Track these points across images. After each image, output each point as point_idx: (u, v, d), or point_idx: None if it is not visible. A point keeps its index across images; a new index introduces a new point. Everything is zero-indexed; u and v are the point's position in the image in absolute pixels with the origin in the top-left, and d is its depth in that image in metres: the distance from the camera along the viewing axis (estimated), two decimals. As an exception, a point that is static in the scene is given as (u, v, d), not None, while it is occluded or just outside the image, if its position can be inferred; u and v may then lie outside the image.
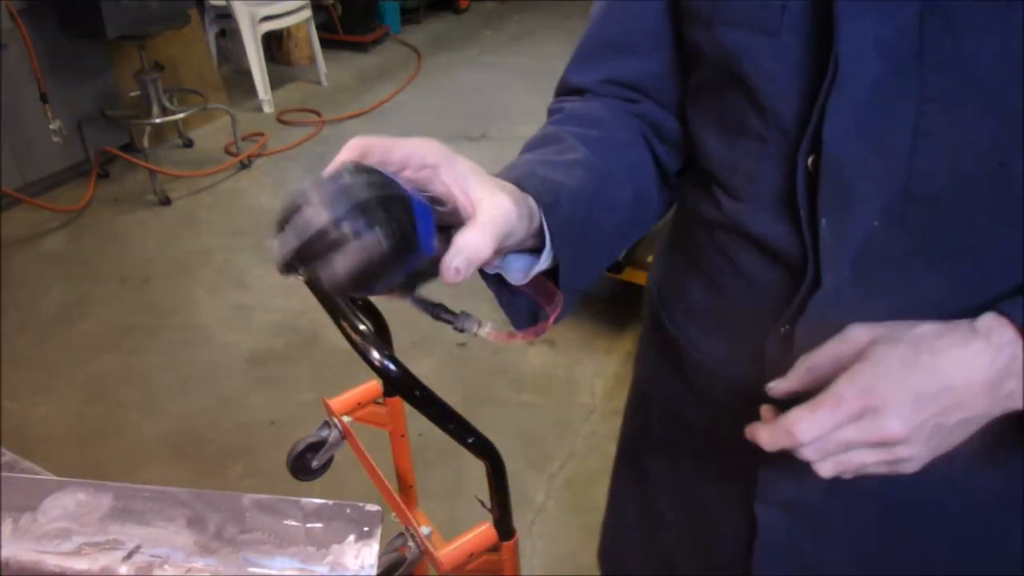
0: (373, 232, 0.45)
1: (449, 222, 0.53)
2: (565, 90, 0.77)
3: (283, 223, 0.47)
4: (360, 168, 0.48)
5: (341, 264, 0.46)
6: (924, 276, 0.58)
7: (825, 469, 0.54)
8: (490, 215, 0.52)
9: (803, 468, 0.55)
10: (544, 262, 0.59)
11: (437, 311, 0.56)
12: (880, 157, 0.54)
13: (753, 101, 0.60)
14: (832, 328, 0.57)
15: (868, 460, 0.53)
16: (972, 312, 0.55)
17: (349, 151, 0.51)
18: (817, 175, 0.57)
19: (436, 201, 0.52)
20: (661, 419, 0.84)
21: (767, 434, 0.54)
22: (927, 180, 0.54)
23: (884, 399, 0.51)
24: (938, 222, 0.55)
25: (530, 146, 0.68)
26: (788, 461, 0.55)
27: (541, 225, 0.58)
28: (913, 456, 0.53)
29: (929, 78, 0.52)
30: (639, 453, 0.89)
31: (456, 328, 0.56)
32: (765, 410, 0.59)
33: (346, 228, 0.45)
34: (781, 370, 0.61)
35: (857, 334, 0.55)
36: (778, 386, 0.58)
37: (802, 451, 0.53)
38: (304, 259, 0.46)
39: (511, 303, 0.66)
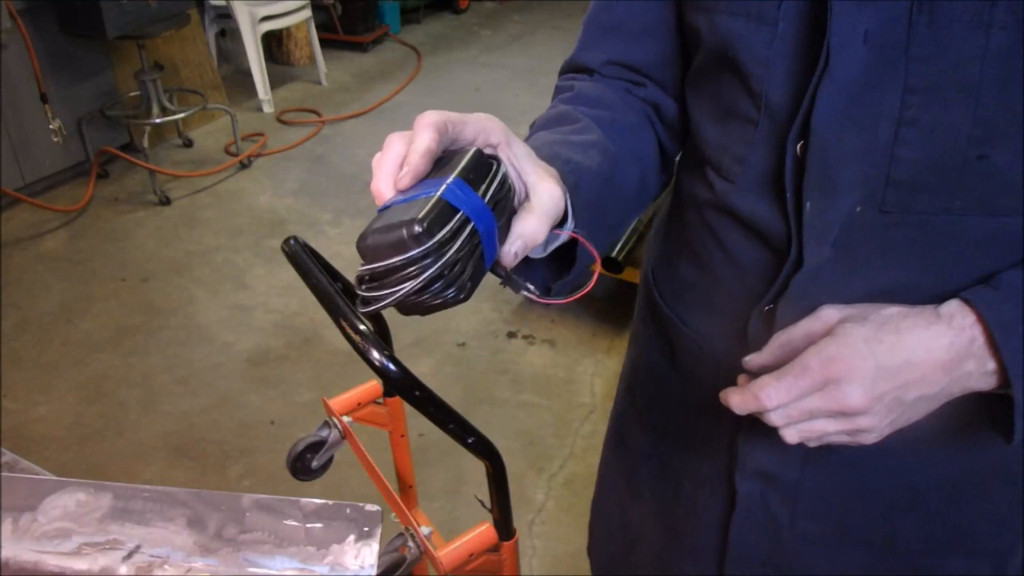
0: (454, 292, 0.50)
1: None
2: (573, 67, 0.79)
3: (372, 265, 0.49)
4: (440, 210, 0.49)
5: (422, 306, 0.50)
6: (903, 259, 0.60)
7: (790, 435, 0.57)
8: (542, 202, 0.56)
9: (779, 440, 0.58)
10: (563, 238, 0.61)
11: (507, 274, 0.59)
12: (864, 144, 0.56)
13: (747, 87, 0.62)
14: (812, 306, 0.61)
15: (830, 429, 0.56)
16: (948, 295, 0.58)
17: (426, 129, 0.51)
18: (804, 160, 0.59)
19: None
20: (649, 394, 0.86)
21: (738, 397, 0.58)
22: (907, 167, 0.56)
23: (847, 371, 0.54)
24: (917, 208, 0.57)
25: (545, 124, 0.70)
26: (765, 433, 0.58)
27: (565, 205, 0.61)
28: (873, 427, 0.56)
29: (913, 69, 0.53)
30: (627, 429, 0.92)
31: (513, 287, 0.59)
32: (741, 378, 0.62)
33: (434, 289, 0.49)
34: (762, 347, 0.64)
35: (829, 313, 0.58)
36: (753, 360, 0.61)
37: (768, 416, 0.56)
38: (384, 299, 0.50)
39: (525, 275, 0.67)
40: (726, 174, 0.67)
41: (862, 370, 0.54)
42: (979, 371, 0.55)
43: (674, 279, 0.78)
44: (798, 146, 0.59)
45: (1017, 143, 0.53)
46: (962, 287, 0.58)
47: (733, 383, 0.65)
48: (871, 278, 0.61)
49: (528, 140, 0.68)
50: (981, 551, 0.72)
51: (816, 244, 0.61)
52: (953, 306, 0.56)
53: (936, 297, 0.59)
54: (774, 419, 0.56)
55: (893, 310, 0.57)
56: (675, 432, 0.82)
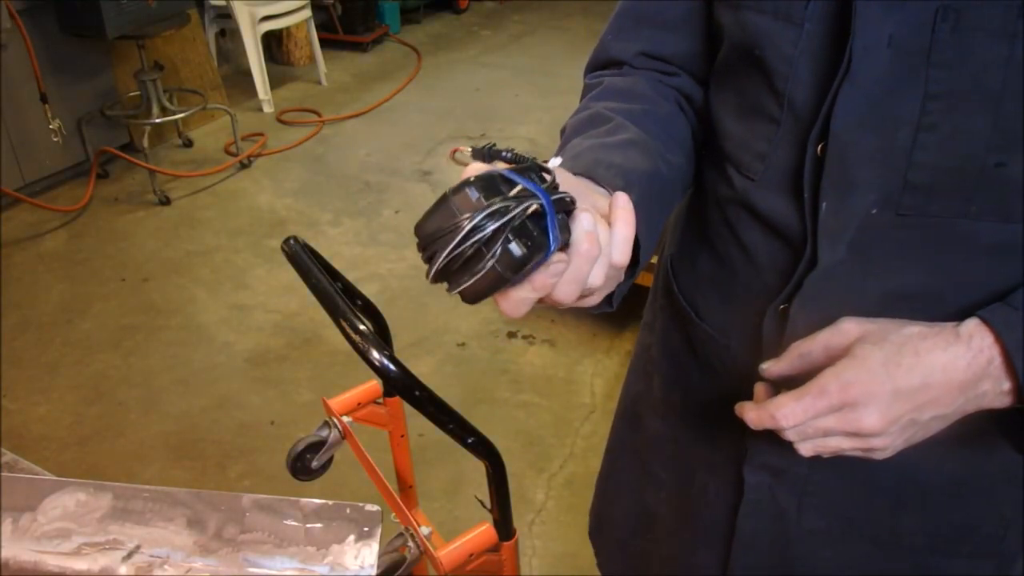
0: (513, 249, 0.46)
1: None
2: (602, 61, 0.79)
3: (430, 236, 0.47)
4: (496, 178, 0.48)
5: (484, 279, 0.47)
6: (917, 261, 0.60)
7: (805, 449, 0.58)
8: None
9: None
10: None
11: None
12: (883, 147, 0.57)
13: (771, 85, 0.62)
14: (826, 306, 0.61)
15: (844, 446, 0.57)
16: (961, 298, 0.58)
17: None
18: (824, 160, 0.59)
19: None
20: (664, 381, 0.87)
21: (754, 414, 0.58)
22: (925, 172, 0.56)
23: (864, 395, 0.54)
24: (932, 212, 0.58)
25: (578, 128, 0.70)
26: (775, 432, 0.59)
27: None
28: (887, 446, 0.57)
29: (934, 76, 0.54)
30: (640, 413, 0.92)
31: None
32: (759, 388, 0.62)
33: (493, 249, 0.46)
34: (776, 344, 0.65)
35: (849, 327, 0.58)
36: (771, 368, 0.61)
37: (784, 433, 0.57)
38: (449, 272, 0.48)
39: None
40: (746, 171, 0.67)
41: (879, 395, 0.54)
42: (995, 391, 0.55)
43: (692, 271, 0.79)
44: (819, 147, 0.59)
45: None
46: (975, 290, 0.58)
47: (746, 376, 0.65)
48: (885, 279, 0.61)
49: (563, 148, 0.68)
50: (985, 553, 0.72)
51: (831, 244, 0.61)
52: (972, 325, 0.55)
53: (949, 300, 0.59)
54: (790, 435, 0.57)
55: (914, 329, 0.56)
56: (691, 418, 0.83)
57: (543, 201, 0.48)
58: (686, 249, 0.80)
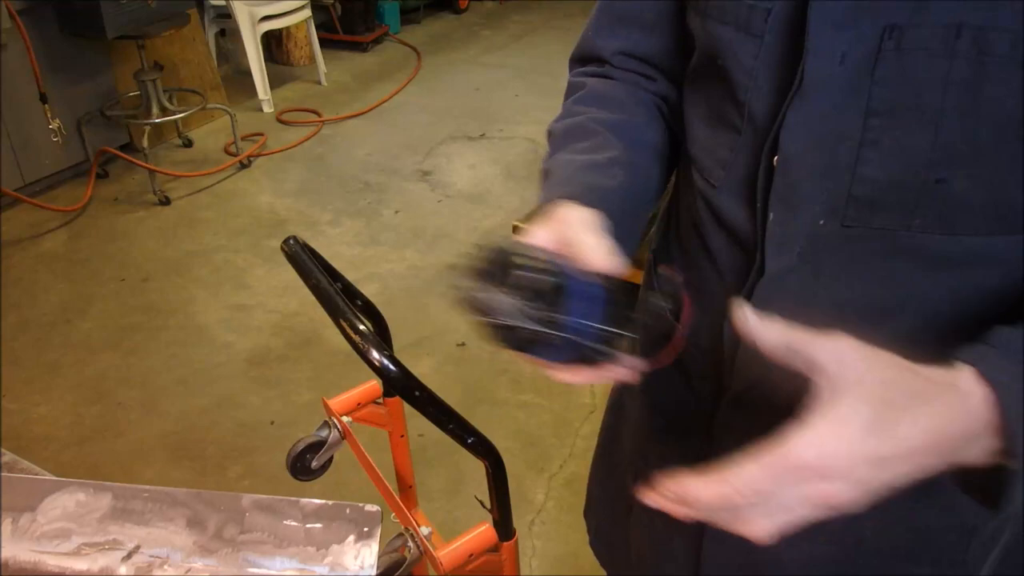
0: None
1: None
2: (585, 56, 0.81)
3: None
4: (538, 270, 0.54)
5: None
6: (866, 272, 0.60)
7: (763, 530, 0.51)
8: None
9: (750, 434, 0.50)
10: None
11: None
12: (828, 161, 0.57)
13: (733, 95, 0.63)
14: (777, 313, 0.51)
15: (808, 515, 0.50)
16: (910, 308, 0.59)
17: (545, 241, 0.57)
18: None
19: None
20: (646, 375, 0.87)
21: (703, 490, 0.49)
22: (868, 186, 0.57)
23: (837, 467, 0.47)
24: (877, 224, 0.58)
25: (564, 139, 0.72)
26: (737, 427, 0.59)
27: None
28: (853, 508, 0.49)
29: (876, 92, 0.54)
30: (624, 401, 0.94)
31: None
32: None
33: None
34: (735, 348, 0.66)
35: (847, 356, 0.49)
36: (755, 328, 0.51)
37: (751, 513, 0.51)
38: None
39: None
40: (708, 176, 0.68)
41: (852, 465, 0.47)
42: (979, 450, 0.49)
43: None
44: (773, 159, 0.60)
45: (975, 169, 0.54)
46: (926, 302, 0.59)
47: (713, 376, 0.67)
48: (836, 289, 0.62)
49: (551, 158, 0.71)
50: (949, 560, 0.71)
51: (778, 254, 0.62)
52: (970, 381, 0.48)
53: (900, 310, 0.60)
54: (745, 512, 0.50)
55: (918, 385, 0.48)
56: (666, 412, 0.84)
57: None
58: (664, 247, 0.82)
